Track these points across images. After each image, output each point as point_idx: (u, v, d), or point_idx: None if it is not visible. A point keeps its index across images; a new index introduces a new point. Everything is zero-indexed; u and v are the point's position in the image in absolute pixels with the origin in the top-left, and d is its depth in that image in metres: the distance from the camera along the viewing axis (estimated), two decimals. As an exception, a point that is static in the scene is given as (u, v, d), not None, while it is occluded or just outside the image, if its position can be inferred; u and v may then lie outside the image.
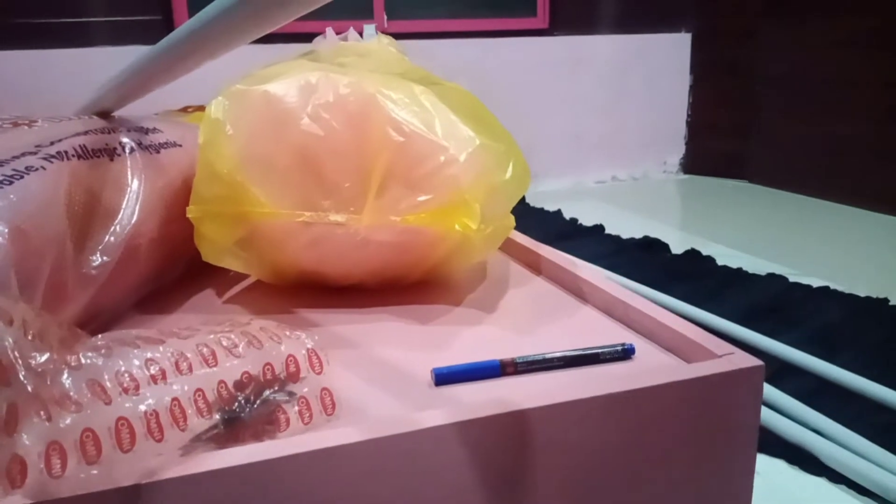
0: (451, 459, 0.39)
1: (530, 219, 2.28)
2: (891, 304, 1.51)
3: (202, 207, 0.59)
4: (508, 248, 0.77)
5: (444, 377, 0.48)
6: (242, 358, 0.40)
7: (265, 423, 0.40)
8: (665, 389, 0.43)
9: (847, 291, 1.57)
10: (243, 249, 0.61)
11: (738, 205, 2.41)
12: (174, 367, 0.38)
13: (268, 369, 0.41)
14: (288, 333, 0.43)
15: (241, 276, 0.70)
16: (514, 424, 0.40)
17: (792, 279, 1.66)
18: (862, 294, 1.55)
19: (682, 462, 0.44)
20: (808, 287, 1.61)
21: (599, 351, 0.50)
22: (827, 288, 1.60)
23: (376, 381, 0.48)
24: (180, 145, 0.68)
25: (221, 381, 0.38)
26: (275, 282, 0.65)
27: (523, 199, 2.49)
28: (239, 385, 0.40)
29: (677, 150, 3.36)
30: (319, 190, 0.58)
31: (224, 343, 0.40)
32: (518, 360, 0.50)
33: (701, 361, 0.45)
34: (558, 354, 0.50)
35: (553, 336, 0.55)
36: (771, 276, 1.67)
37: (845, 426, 1.05)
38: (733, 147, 3.10)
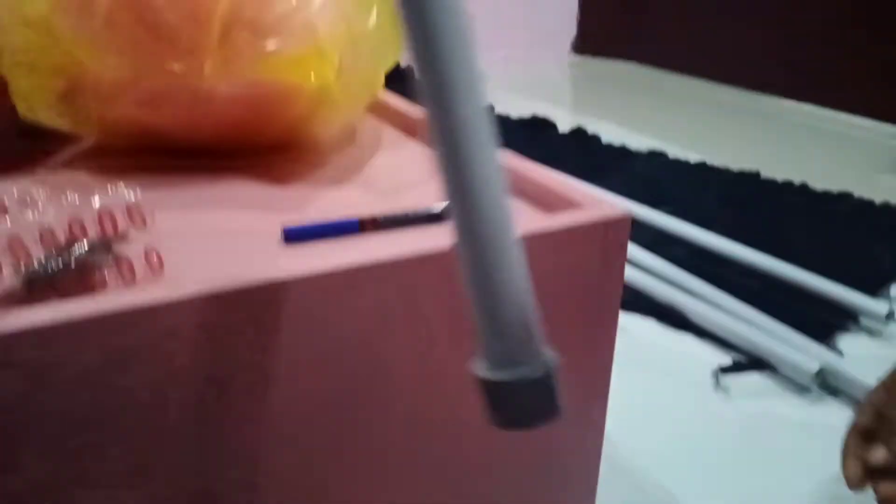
0: (300, 317, 0.36)
1: (418, 99, 2.21)
2: (761, 176, 1.58)
3: (11, 58, 0.51)
4: (381, 112, 0.72)
5: (296, 234, 0.44)
6: (42, 212, 0.34)
7: (78, 286, 0.35)
8: (526, 241, 0.40)
9: (722, 166, 1.63)
10: (68, 105, 0.53)
11: (626, 85, 2.43)
12: (-50, 221, 0.32)
13: (76, 225, 0.35)
14: (103, 186, 0.38)
15: (74, 140, 0.62)
16: (372, 278, 0.37)
17: (671, 156, 1.70)
18: (735, 168, 1.62)
19: (546, 314, 0.43)
20: (686, 163, 1.66)
21: (464, 206, 0.48)
22: (704, 163, 1.65)
23: (219, 242, 0.44)
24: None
25: (15, 237, 0.33)
26: (111, 142, 0.58)
27: (413, 76, 2.40)
28: (41, 242, 0.34)
29: (568, 32, 3.33)
30: (152, 36, 0.50)
31: (17, 195, 0.34)
32: (379, 217, 0.46)
33: (564, 211, 0.43)
34: (423, 210, 0.47)
35: (424, 198, 0.52)
36: (652, 153, 1.71)
37: (717, 288, 1.10)
38: (623, 28, 3.09)
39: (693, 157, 1.68)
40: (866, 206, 1.42)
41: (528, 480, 0.49)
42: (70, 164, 0.57)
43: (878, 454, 0.41)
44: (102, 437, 0.33)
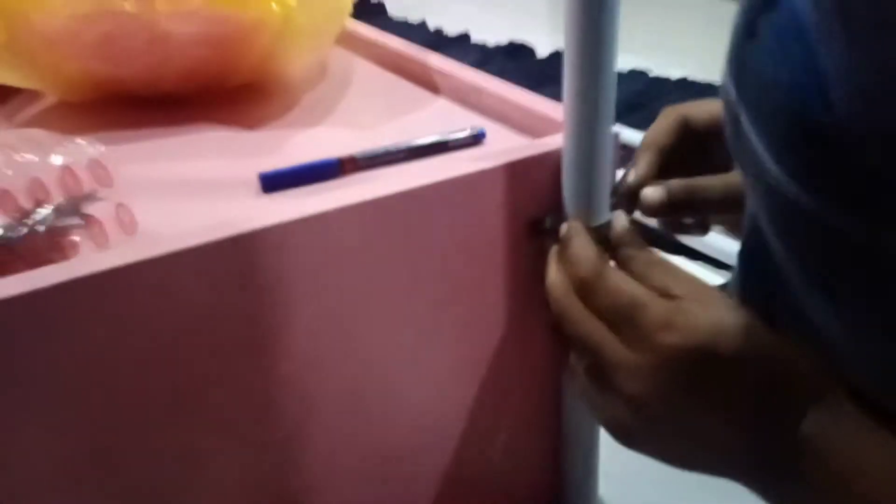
0: (281, 265, 0.34)
1: (393, 32, 2.13)
2: (744, 89, 1.56)
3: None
4: (352, 42, 0.68)
5: (273, 181, 0.41)
6: (-3, 175, 0.32)
7: (47, 252, 0.33)
8: (513, 168, 0.38)
9: (704, 80, 1.60)
10: (15, 55, 0.49)
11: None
12: None
13: (36, 186, 0.33)
14: (62, 142, 0.35)
15: (33, 97, 0.58)
16: (360, 218, 0.35)
17: (653, 74, 1.66)
18: (718, 82, 1.59)
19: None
20: (668, 80, 1.62)
21: (447, 138, 0.45)
22: (685, 79, 1.62)
23: (193, 195, 0.41)
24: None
25: (-31, 204, 0.30)
26: (68, 96, 0.55)
27: (384, 10, 2.31)
28: (2, 208, 0.32)
29: (542, -50, 3.20)
30: (98, -27, 0.47)
31: (-33, 158, 0.31)
32: (358, 156, 0.44)
33: (550, 135, 0.41)
34: (403, 145, 0.45)
35: (403, 132, 0.49)
36: (633, 72, 1.67)
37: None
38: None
39: (676, 73, 1.65)
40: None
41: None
42: (27, 123, 0.54)
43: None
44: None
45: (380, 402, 0.41)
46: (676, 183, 0.40)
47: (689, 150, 0.42)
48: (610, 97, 0.35)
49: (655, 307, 0.32)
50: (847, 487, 0.28)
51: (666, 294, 0.33)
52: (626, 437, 0.34)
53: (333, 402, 0.39)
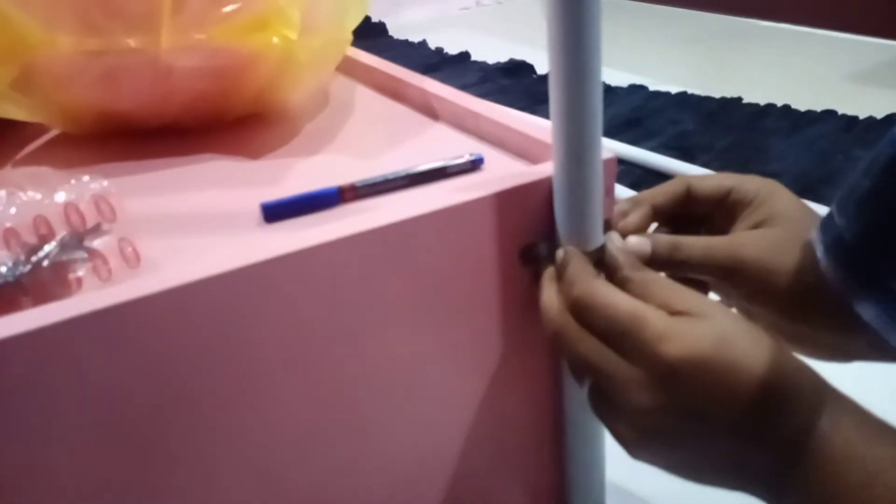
0: (283, 296, 0.34)
1: (394, 52, 2.15)
2: (744, 101, 1.56)
3: (-45, 44, 0.48)
4: (353, 69, 0.69)
5: (275, 211, 0.42)
6: (3, 213, 0.32)
7: (51, 287, 0.34)
8: (507, 195, 0.39)
9: (703, 94, 1.61)
10: (22, 92, 0.50)
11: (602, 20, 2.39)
12: None
13: (41, 223, 0.33)
14: (66, 179, 0.36)
15: (40, 131, 0.59)
16: (358, 248, 0.36)
17: (652, 88, 1.67)
18: (717, 96, 1.59)
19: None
20: (668, 94, 1.63)
21: (445, 165, 0.46)
22: (685, 93, 1.63)
23: (195, 226, 0.42)
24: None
25: (-23, 243, 0.31)
26: (72, 130, 0.55)
27: (385, 30, 2.34)
28: (5, 244, 0.33)
29: (540, -32, 3.23)
30: (102, 9, 0.48)
31: (-25, 197, 0.32)
32: (358, 184, 0.44)
33: (547, 161, 0.41)
34: (402, 173, 0.45)
35: (402, 158, 0.50)
36: (632, 87, 1.68)
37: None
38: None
39: (674, 88, 1.66)
40: (851, 121, 1.41)
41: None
42: (32, 157, 0.55)
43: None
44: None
45: (381, 428, 0.41)
46: (662, 237, 0.40)
47: (688, 220, 0.43)
48: (597, 121, 0.36)
49: (655, 320, 0.32)
50: (859, 496, 0.29)
51: (667, 309, 0.33)
52: (636, 451, 0.34)
53: (335, 430, 0.40)
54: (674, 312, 0.33)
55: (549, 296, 0.37)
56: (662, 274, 0.41)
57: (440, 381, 0.42)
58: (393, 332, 0.39)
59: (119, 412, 0.32)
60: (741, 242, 0.39)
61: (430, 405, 0.43)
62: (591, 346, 0.34)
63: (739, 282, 0.39)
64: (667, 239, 0.40)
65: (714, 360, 0.31)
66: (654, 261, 0.39)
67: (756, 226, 0.40)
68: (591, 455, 0.47)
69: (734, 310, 0.42)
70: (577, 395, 0.44)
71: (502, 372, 0.44)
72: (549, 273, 0.39)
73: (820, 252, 0.36)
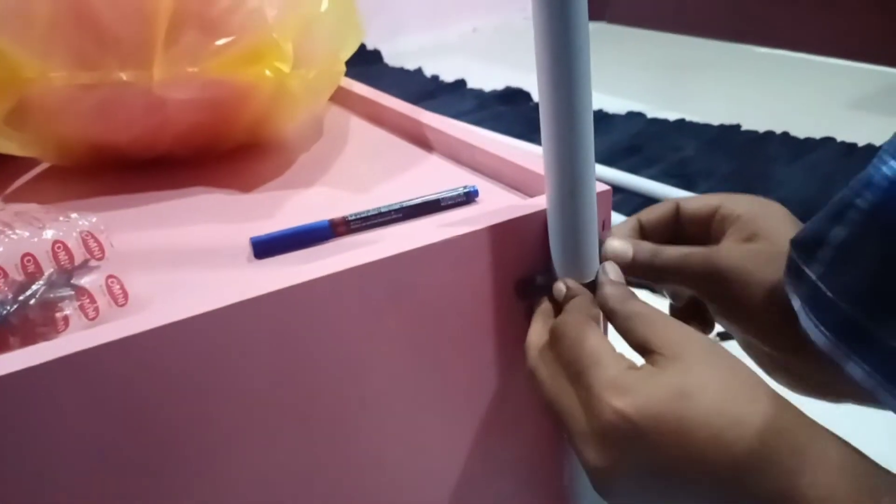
0: (273, 333, 0.34)
1: (389, 79, 2.16)
2: (743, 129, 1.56)
3: (-52, 79, 0.48)
4: (347, 100, 0.69)
5: (265, 246, 0.42)
6: (-12, 251, 0.32)
7: (38, 326, 0.33)
8: (501, 228, 0.38)
9: (702, 121, 1.61)
10: (15, 127, 0.50)
11: (597, 46, 2.40)
12: None
13: (28, 261, 0.33)
14: (55, 216, 0.36)
15: (30, 164, 0.59)
16: (349, 283, 0.35)
17: (650, 115, 1.68)
18: (716, 122, 1.60)
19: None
20: (666, 121, 1.64)
21: (439, 197, 0.46)
22: (683, 120, 1.63)
23: (184, 263, 0.42)
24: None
25: (-40, 283, 0.31)
26: (65, 163, 0.55)
27: (380, 57, 2.35)
28: (-8, 285, 0.32)
29: (537, -3, 3.27)
30: (96, 43, 0.47)
31: (-41, 235, 0.32)
32: (350, 217, 0.44)
33: (541, 194, 0.41)
34: (396, 206, 0.45)
35: (397, 190, 0.50)
36: (630, 114, 1.68)
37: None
38: (591, -12, 3.05)
39: (672, 114, 1.66)
40: (851, 148, 1.41)
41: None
42: (21, 191, 0.55)
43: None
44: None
45: (377, 464, 0.40)
46: (644, 243, 0.40)
47: (681, 242, 0.41)
48: (590, 153, 0.35)
49: (609, 364, 0.30)
50: None
51: (643, 349, 0.32)
52: (605, 497, 0.32)
53: (330, 472, 0.39)
54: (648, 351, 0.31)
55: (532, 333, 0.36)
56: (666, 309, 0.40)
57: (437, 416, 0.41)
58: (387, 368, 0.38)
59: (105, 455, 0.31)
60: (718, 251, 0.38)
61: (427, 440, 0.42)
62: (558, 389, 0.32)
63: (716, 293, 0.38)
64: (648, 245, 0.40)
65: (665, 417, 0.28)
66: (635, 266, 0.39)
67: (743, 241, 0.38)
68: (594, 496, 0.46)
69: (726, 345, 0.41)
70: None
71: (500, 406, 0.43)
72: (543, 308, 0.38)
73: (797, 305, 0.33)
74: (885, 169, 0.28)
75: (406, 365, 0.39)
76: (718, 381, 0.29)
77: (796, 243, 0.32)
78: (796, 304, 0.32)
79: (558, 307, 0.37)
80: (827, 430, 0.29)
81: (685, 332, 0.32)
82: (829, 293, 0.30)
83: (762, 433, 0.28)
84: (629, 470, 0.29)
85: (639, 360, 0.32)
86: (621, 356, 0.31)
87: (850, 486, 0.27)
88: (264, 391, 0.34)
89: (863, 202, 0.29)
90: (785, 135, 1.51)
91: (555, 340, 0.34)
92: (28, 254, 0.33)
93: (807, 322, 0.32)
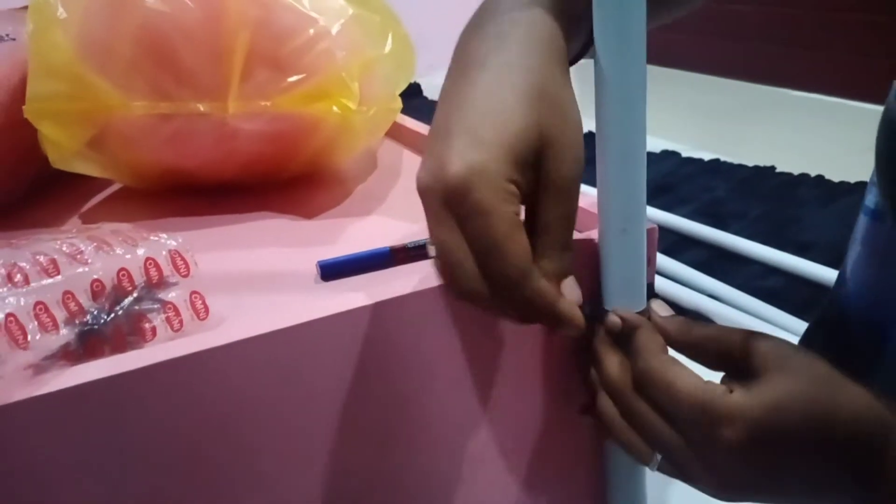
0: (337, 352, 0.36)
1: (430, 112, 2.22)
2: (777, 170, 1.57)
3: (40, 106, 0.52)
4: (399, 134, 0.73)
5: (331, 269, 0.44)
6: (91, 265, 0.35)
7: (128, 335, 0.36)
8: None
9: (736, 162, 1.63)
10: (96, 151, 0.54)
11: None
12: (5, 278, 0.32)
13: (123, 276, 0.36)
14: (146, 236, 0.39)
15: (103, 184, 0.63)
16: (409, 307, 0.38)
17: (684, 154, 1.70)
18: (750, 164, 1.61)
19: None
20: (700, 161, 1.65)
21: (493, 229, 0.48)
22: (717, 160, 1.65)
23: (257, 282, 0.45)
24: (13, 39, 0.59)
25: (67, 292, 0.34)
26: (138, 185, 0.59)
27: (420, 91, 2.41)
28: (91, 295, 0.35)
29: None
30: (175, 77, 0.51)
31: (66, 250, 0.35)
32: (409, 245, 0.47)
33: (592, 229, 0.43)
34: (451, 236, 0.47)
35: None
36: (665, 152, 1.71)
37: (737, 289, 1.10)
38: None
39: (706, 154, 1.68)
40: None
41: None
42: (96, 210, 0.58)
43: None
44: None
45: (424, 487, 0.42)
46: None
47: None
48: (643, 194, 0.37)
49: (715, 397, 0.34)
50: None
51: (729, 366, 0.36)
52: (724, 496, 0.36)
53: (379, 487, 0.41)
54: (737, 368, 0.35)
55: (612, 368, 0.38)
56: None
57: (484, 440, 0.43)
58: (440, 391, 0.40)
59: (185, 455, 0.34)
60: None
61: (475, 464, 0.44)
62: (661, 429, 0.36)
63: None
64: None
65: (776, 431, 0.33)
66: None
67: None
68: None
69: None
70: (619, 456, 0.45)
71: (544, 431, 0.45)
72: (603, 339, 0.40)
73: None
74: None
75: (458, 387, 0.41)
76: (791, 386, 0.33)
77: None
78: None
79: (611, 335, 0.40)
80: None
81: (762, 340, 0.35)
82: None
83: (851, 406, 0.33)
84: (755, 482, 0.34)
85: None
86: (712, 383, 0.35)
87: None
88: (334, 405, 0.37)
89: None
90: (819, 178, 1.51)
91: (645, 384, 0.37)
92: (123, 268, 0.36)
93: None
